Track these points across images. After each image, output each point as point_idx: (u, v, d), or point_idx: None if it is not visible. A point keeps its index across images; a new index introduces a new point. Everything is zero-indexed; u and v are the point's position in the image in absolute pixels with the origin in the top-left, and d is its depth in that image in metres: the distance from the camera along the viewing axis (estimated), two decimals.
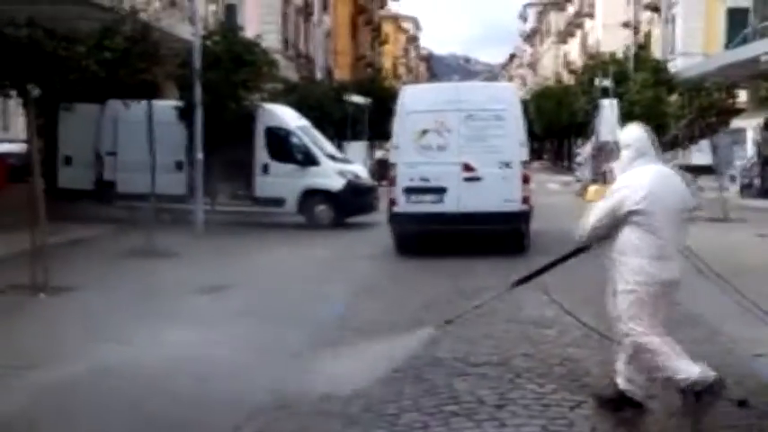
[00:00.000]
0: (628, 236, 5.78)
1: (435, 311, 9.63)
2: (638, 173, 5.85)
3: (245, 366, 7.17)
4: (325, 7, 48.92)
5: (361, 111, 31.68)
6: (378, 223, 18.79)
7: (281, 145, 19.51)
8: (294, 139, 19.59)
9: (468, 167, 13.95)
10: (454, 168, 13.95)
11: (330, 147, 21.34)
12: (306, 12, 46.71)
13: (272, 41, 29.82)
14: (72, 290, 10.74)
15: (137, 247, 14.40)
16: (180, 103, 18.17)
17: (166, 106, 17.57)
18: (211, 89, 17.28)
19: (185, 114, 17.89)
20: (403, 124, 14.30)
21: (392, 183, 14.39)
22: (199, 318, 9.23)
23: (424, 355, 7.31)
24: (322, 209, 19.12)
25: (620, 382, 6.00)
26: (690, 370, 5.69)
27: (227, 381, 6.77)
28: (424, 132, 14.10)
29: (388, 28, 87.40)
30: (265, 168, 19.32)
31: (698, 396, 5.67)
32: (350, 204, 19.19)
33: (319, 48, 44.71)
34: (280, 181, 19.12)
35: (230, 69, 17.54)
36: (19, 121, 26.82)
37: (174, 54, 16.30)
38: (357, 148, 29.58)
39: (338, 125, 29.19)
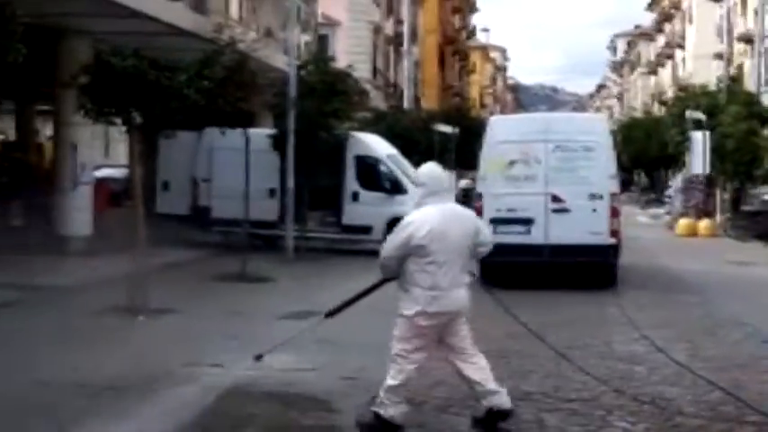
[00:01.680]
0: (411, 267, 6.16)
1: (519, 343, 9.65)
2: (426, 210, 6.17)
3: (328, 392, 7.31)
4: (414, 37, 49.36)
5: (447, 140, 31.79)
6: None
7: (370, 173, 19.77)
8: (383, 168, 19.83)
9: (556, 199, 13.93)
10: (542, 199, 13.94)
11: None
12: (395, 42, 47.23)
13: (362, 71, 30.27)
14: (169, 312, 11.08)
15: (231, 272, 14.76)
16: (274, 132, 18.59)
17: (261, 134, 18.01)
18: (304, 118, 17.64)
19: (279, 142, 18.29)
20: (490, 154, 14.37)
21: (478, 213, 14.42)
22: (295, 343, 9.41)
23: (512, 389, 7.34)
24: None
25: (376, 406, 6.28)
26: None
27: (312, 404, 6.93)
28: (512, 163, 14.14)
29: (475, 58, 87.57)
30: (355, 196, 19.58)
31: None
32: None
33: (408, 77, 45.09)
34: (368, 209, 19.34)
35: (323, 99, 17.88)
36: (120, 147, 27.77)
37: (270, 83, 16.74)
38: None
39: (425, 154, 29.30)
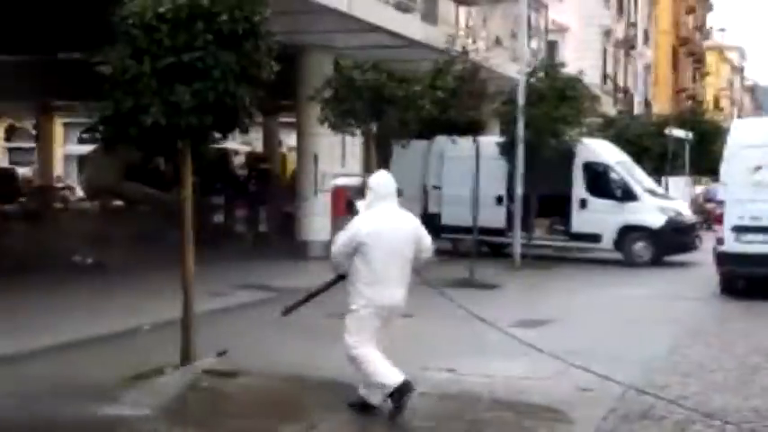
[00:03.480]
0: (356, 264, 6.71)
1: None
2: (372, 212, 6.77)
3: (562, 402, 7.29)
4: (646, 39, 47.87)
5: (681, 145, 30.60)
6: (700, 263, 18.13)
7: (600, 180, 19.41)
8: (613, 174, 19.42)
9: None
10: None
11: (650, 182, 20.89)
12: (626, 45, 46.01)
13: (591, 76, 29.71)
14: (405, 317, 11.36)
15: (458, 277, 14.97)
16: (502, 139, 18.68)
17: (489, 142, 18.14)
18: (533, 125, 17.62)
19: (507, 150, 18.36)
20: (734, 160, 13.73)
21: (719, 221, 13.84)
22: (525, 351, 9.44)
23: (758, 407, 7.05)
24: (640, 246, 18.74)
25: (359, 389, 6.91)
26: (392, 378, 6.68)
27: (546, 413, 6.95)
28: (758, 169, 13.44)
29: (711, 59, 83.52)
30: (583, 203, 19.29)
31: (398, 396, 6.65)
32: (670, 242, 18.67)
33: (638, 81, 43.81)
34: (597, 216, 18.99)
35: (552, 105, 17.78)
36: (355, 157, 28.82)
37: (500, 91, 16.85)
38: (677, 184, 28.59)
39: (657, 160, 28.39)
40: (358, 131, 11.88)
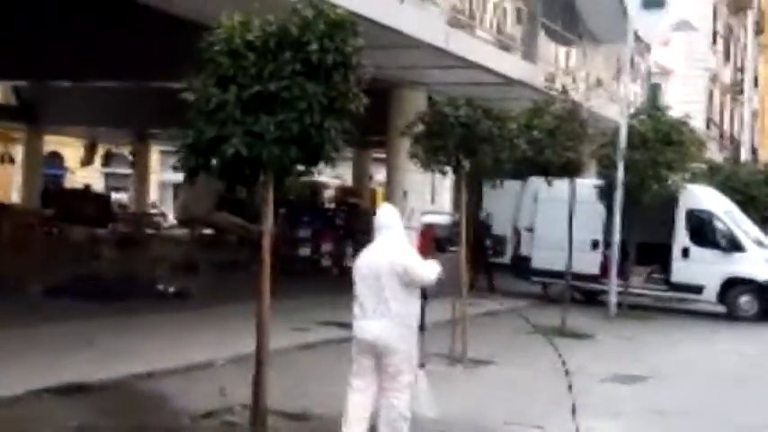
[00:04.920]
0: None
1: None
2: (368, 246, 6.76)
3: None
4: (755, 84, 46.33)
5: None
6: None
7: (704, 228, 18.51)
8: (718, 223, 18.49)
9: None
10: None
11: (757, 232, 19.84)
12: (732, 90, 44.56)
13: (695, 121, 28.72)
14: (488, 364, 10.87)
15: (549, 325, 14.32)
16: (600, 182, 17.99)
17: (587, 184, 17.47)
18: (634, 169, 16.90)
19: (605, 193, 17.66)
20: None
21: None
22: (613, 409, 8.82)
23: None
24: (746, 299, 17.75)
25: None
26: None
27: None
28: None
29: None
30: (685, 252, 18.40)
31: None
32: None
33: (746, 127, 42.33)
34: (700, 266, 18.08)
35: (656, 149, 17.02)
36: (445, 195, 28.48)
37: (601, 133, 16.22)
38: None
39: (764, 210, 27.11)
40: (449, 169, 11.43)
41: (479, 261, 18.98)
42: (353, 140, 25.10)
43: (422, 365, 6.80)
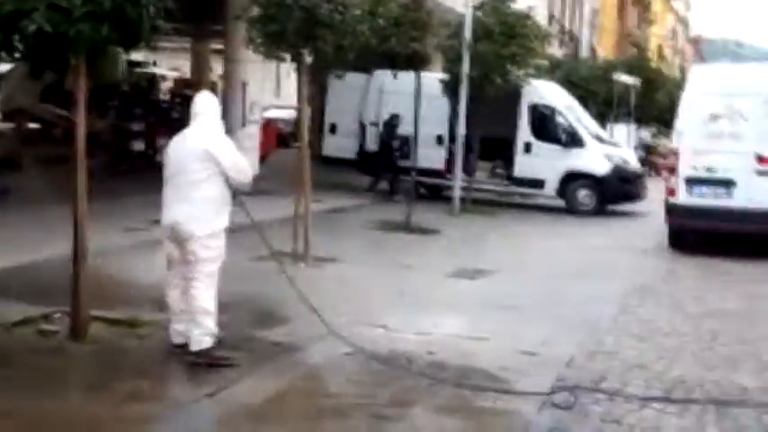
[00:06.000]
0: None
1: (726, 322, 8.52)
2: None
3: (506, 370, 6.47)
4: None
5: (627, 91, 29.98)
6: (644, 213, 17.59)
7: (546, 123, 18.57)
8: (559, 118, 18.58)
9: (763, 159, 12.42)
10: (747, 160, 12.46)
11: (597, 128, 20.16)
12: None
13: (538, 17, 28.78)
14: (331, 261, 10.50)
15: (395, 221, 14.11)
16: (446, 76, 17.67)
17: (432, 78, 17.12)
18: (479, 62, 16.62)
19: (450, 87, 17.38)
20: (690, 108, 12.95)
21: (672, 171, 13.12)
22: (458, 305, 8.64)
23: (722, 381, 6.33)
24: (585, 194, 18.05)
25: None
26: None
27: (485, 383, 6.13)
28: (715, 118, 12.67)
29: (656, 7, 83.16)
30: (527, 147, 18.47)
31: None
32: (616, 191, 18.00)
33: (585, 25, 43.04)
34: (541, 161, 18.21)
35: (501, 42, 16.77)
36: (290, 88, 27.64)
37: (445, 23, 15.80)
38: (622, 131, 28.02)
39: (603, 105, 27.74)
40: (288, 58, 10.76)
41: (385, 164, 18.37)
42: (191, 30, 23.75)
43: None
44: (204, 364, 6.16)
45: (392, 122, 18.51)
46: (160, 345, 6.57)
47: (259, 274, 8.73)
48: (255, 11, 10.37)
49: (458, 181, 17.05)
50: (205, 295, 6.22)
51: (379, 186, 18.86)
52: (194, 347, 6.22)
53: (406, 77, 15.63)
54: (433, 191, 18.78)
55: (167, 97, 25.83)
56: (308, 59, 10.65)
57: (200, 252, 6.23)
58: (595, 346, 7.39)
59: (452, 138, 17.76)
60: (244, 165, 6.39)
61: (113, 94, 19.61)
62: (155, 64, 29.88)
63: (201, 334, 6.20)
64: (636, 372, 6.61)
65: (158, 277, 7.77)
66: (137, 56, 30.44)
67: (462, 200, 16.96)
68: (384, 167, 18.53)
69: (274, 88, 32.02)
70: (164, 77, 29.20)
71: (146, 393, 5.72)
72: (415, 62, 14.30)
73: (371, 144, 19.34)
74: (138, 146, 19.27)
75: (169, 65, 32.99)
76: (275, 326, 7.37)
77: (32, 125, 22.53)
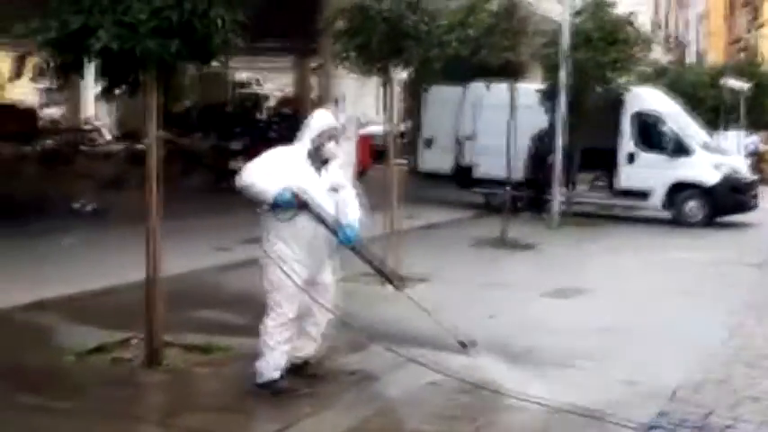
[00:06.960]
0: None
1: None
2: None
3: (605, 402, 5.95)
4: None
5: (736, 97, 28.71)
6: (756, 224, 16.65)
7: (650, 132, 17.81)
8: (665, 127, 17.79)
9: None
10: None
11: (705, 136, 19.23)
12: None
13: (642, 22, 27.87)
14: (420, 281, 10.08)
15: (491, 236, 13.63)
16: (543, 86, 17.11)
17: (529, 89, 16.58)
18: (578, 70, 16.03)
19: (548, 98, 16.81)
20: None
21: None
22: (551, 328, 8.11)
23: None
24: (693, 205, 17.21)
25: None
26: None
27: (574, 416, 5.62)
28: None
29: (767, 8, 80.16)
30: (631, 157, 17.73)
31: None
32: (726, 201, 17.10)
33: (692, 30, 41.65)
34: (645, 171, 17.42)
35: (600, 49, 16.13)
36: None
37: (540, 33, 15.27)
38: (731, 138, 26.81)
39: (711, 113, 26.59)
40: (376, 71, 10.42)
41: (540, 179, 17.89)
42: (291, 47, 23.89)
43: None
44: (271, 393, 5.84)
45: (542, 136, 17.83)
46: (234, 372, 6.30)
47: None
48: (342, 24, 10.11)
49: (557, 193, 16.47)
50: (268, 330, 5.81)
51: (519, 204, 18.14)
52: (258, 380, 5.88)
53: (501, 89, 15.16)
54: (533, 204, 18.19)
55: (266, 116, 26.09)
56: (397, 73, 10.34)
57: (262, 278, 5.90)
58: (703, 374, 6.79)
59: (553, 149, 17.15)
60: (355, 209, 6.14)
61: (218, 115, 19.92)
62: (258, 83, 30.22)
63: (263, 366, 5.84)
64: (748, 404, 6.01)
65: (235, 300, 7.57)
66: (241, 76, 30.91)
67: (562, 214, 16.37)
68: (542, 183, 17.75)
69: (375, 103, 31.86)
70: (266, 97, 29.55)
71: (212, 428, 5.45)
72: (510, 72, 13.81)
73: (468, 158, 18.88)
74: (238, 164, 19.37)
75: (276, 84, 33.30)
76: (351, 352, 7.00)
77: (141, 146, 22.93)
